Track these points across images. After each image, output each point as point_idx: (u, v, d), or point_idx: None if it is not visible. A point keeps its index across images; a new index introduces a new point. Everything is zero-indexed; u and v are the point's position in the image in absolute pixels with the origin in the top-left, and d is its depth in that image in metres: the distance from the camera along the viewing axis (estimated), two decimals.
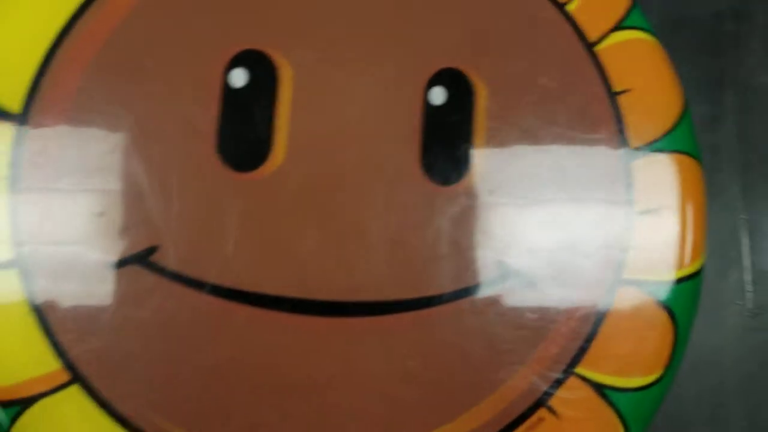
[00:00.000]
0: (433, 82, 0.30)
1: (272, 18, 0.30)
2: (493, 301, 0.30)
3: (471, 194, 0.30)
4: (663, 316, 0.31)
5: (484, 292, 0.30)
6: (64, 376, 0.27)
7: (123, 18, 0.29)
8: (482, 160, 0.30)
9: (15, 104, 0.28)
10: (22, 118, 0.27)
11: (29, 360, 0.27)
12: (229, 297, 0.28)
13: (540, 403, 0.30)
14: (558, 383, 0.30)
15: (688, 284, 0.32)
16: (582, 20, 0.32)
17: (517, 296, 0.30)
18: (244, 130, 0.29)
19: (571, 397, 0.30)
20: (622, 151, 0.31)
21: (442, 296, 0.29)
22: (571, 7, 0.32)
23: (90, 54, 0.28)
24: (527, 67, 0.31)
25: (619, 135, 0.31)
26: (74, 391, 0.27)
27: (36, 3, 0.29)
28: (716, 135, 0.62)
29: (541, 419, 0.30)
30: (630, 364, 0.30)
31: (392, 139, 0.30)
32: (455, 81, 0.31)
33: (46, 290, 0.27)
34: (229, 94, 0.29)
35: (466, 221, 0.30)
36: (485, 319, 0.30)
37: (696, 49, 0.64)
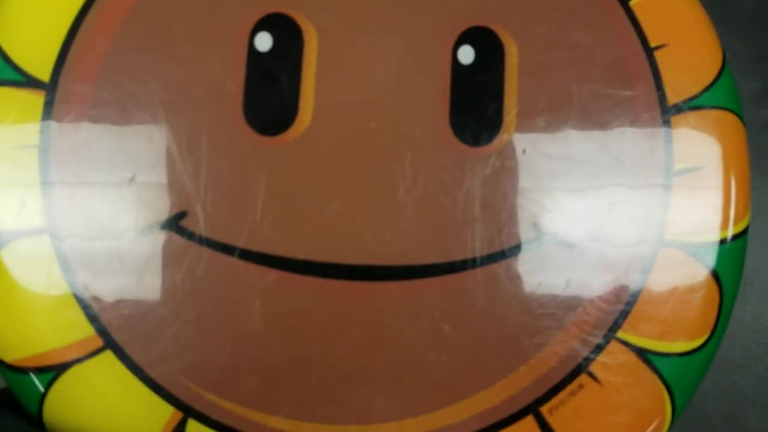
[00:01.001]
0: (461, 41, 0.30)
1: None
2: (529, 265, 0.29)
3: (503, 155, 0.29)
4: (707, 278, 0.30)
5: (518, 255, 0.29)
6: (97, 342, 0.27)
7: None
8: (514, 119, 0.30)
9: (44, 73, 0.28)
10: (50, 86, 0.28)
11: (63, 326, 0.27)
12: (258, 261, 0.28)
13: (580, 368, 0.29)
14: (599, 348, 0.29)
15: (734, 245, 0.30)
16: None
17: (554, 259, 0.29)
18: (271, 94, 0.29)
19: (612, 362, 0.29)
20: (659, 108, 0.30)
21: (475, 260, 0.29)
22: None
23: (117, 21, 0.28)
24: (559, 23, 0.30)
25: (656, 91, 0.30)
26: (107, 357, 0.27)
27: None
28: (766, 111, 0.60)
29: (581, 385, 0.29)
30: (673, 328, 0.29)
31: (420, 101, 0.29)
32: (484, 39, 0.30)
33: (77, 256, 0.27)
34: (255, 57, 0.29)
35: (498, 183, 0.29)
36: (521, 283, 0.29)
37: (747, 24, 0.62)
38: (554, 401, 0.28)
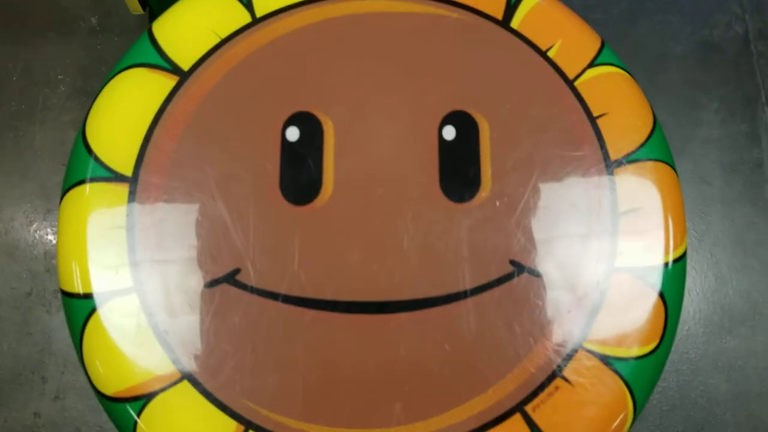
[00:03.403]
0: (444, 122, 0.38)
1: (314, 87, 0.39)
2: (509, 293, 0.37)
3: (483, 208, 0.37)
4: (653, 295, 0.37)
5: (500, 286, 0.37)
6: (177, 374, 0.35)
7: (204, 97, 0.38)
8: (489, 180, 0.38)
9: (127, 169, 0.36)
10: (133, 179, 0.36)
11: (149, 363, 0.35)
12: (297, 304, 0.36)
13: (555, 374, 0.36)
14: (569, 357, 0.36)
15: (674, 267, 0.38)
16: (561, 62, 0.40)
17: (528, 287, 0.37)
18: (300, 173, 0.37)
19: (580, 367, 0.36)
20: (604, 163, 0.38)
21: (466, 292, 0.36)
22: (551, 53, 0.40)
23: (180, 127, 0.37)
24: (519, 103, 0.39)
25: (600, 150, 0.38)
26: (185, 386, 0.35)
27: (138, 92, 0.38)
28: (758, 150, 0.64)
29: (557, 387, 0.36)
30: (629, 337, 0.37)
31: (416, 170, 0.38)
32: (462, 120, 0.38)
33: (158, 308, 0.35)
34: (287, 146, 0.37)
35: (481, 230, 0.37)
36: (504, 308, 0.36)
37: (731, 71, 0.67)
38: (536, 401, 0.36)
